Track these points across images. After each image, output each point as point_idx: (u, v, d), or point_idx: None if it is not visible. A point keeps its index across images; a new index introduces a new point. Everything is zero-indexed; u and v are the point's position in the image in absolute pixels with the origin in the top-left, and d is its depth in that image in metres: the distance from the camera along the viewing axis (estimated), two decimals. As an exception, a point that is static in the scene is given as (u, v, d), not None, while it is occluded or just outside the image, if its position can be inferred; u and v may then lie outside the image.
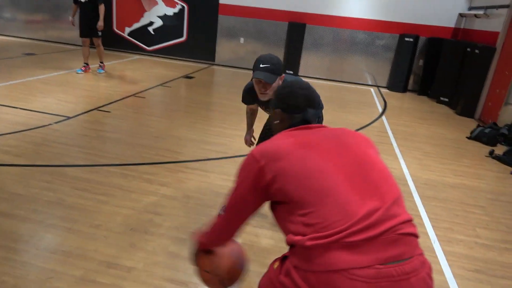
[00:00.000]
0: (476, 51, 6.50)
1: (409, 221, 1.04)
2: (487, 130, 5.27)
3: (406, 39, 8.17)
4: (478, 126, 5.57)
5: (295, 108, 1.31)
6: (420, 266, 0.98)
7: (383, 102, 7.26)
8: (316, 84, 7.65)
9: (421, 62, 8.37)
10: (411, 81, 8.58)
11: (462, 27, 8.09)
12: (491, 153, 4.73)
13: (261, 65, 2.06)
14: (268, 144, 1.21)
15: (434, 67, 7.99)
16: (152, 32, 9.34)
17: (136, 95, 5.79)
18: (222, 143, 4.19)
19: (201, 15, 9.04)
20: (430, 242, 2.72)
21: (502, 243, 2.81)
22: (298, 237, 1.03)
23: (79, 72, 6.71)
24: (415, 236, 1.04)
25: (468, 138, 5.41)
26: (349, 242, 0.95)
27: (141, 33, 9.40)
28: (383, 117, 6.08)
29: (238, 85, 7.45)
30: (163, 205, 2.82)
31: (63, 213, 2.57)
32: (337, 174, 1.07)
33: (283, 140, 1.21)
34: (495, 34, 6.40)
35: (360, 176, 1.07)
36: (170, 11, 9.11)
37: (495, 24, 6.52)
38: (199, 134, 4.38)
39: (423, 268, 0.99)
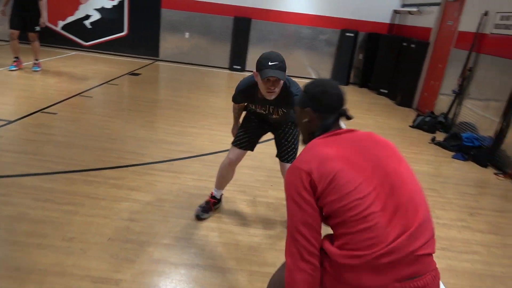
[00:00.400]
0: (412, 45, 7.01)
1: (430, 240, 1.13)
2: (427, 119, 5.74)
3: (347, 34, 8.57)
4: (418, 115, 6.04)
5: (329, 108, 1.31)
6: (431, 280, 1.10)
7: (330, 95, 7.55)
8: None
9: (361, 56, 8.83)
10: (352, 74, 9.02)
11: (396, 23, 8.67)
12: (433, 140, 5.16)
13: (270, 63, 2.05)
14: (310, 154, 1.22)
15: (373, 61, 8.48)
16: (89, 26, 8.75)
17: (82, 94, 5.41)
18: (184, 142, 4.09)
19: (142, 9, 8.66)
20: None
21: (458, 221, 3.10)
22: (333, 250, 1.12)
23: (12, 69, 6.09)
24: (432, 254, 1.14)
25: (411, 126, 5.84)
26: (375, 264, 1.05)
27: (77, 27, 8.76)
28: (333, 110, 6.33)
29: (188, 81, 7.31)
30: (138, 210, 2.69)
31: (28, 228, 2.34)
32: (373, 198, 1.13)
33: (324, 149, 1.22)
34: (427, 30, 6.95)
35: (392, 200, 1.14)
36: (108, 4, 8.59)
37: (427, 20, 7.07)
38: (158, 133, 4.22)
39: (433, 283, 1.11)
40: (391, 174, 1.19)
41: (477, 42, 5.24)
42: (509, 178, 4.09)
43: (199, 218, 2.66)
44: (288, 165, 2.54)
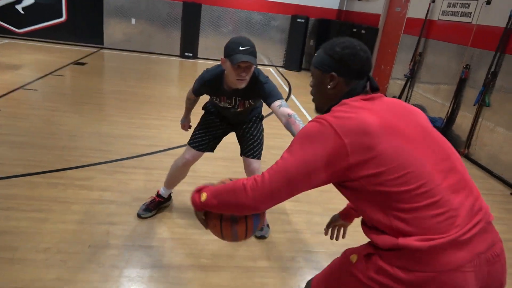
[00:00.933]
0: (362, 31, 7.24)
1: (488, 209, 1.08)
2: (381, 103, 5.99)
3: (298, 20, 8.63)
4: (373, 99, 6.28)
5: (359, 73, 1.16)
6: (502, 246, 1.06)
7: (286, 81, 7.61)
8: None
9: (312, 42, 8.97)
10: (304, 60, 9.14)
11: (344, 9, 8.88)
12: (389, 123, 5.40)
13: (241, 48, 1.91)
14: (351, 117, 1.05)
15: (324, 47, 8.64)
16: (22, 12, 7.93)
17: (25, 87, 4.91)
18: (150, 135, 3.89)
19: (82, -8, 8.02)
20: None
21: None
22: (405, 240, 0.97)
23: None
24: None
25: (367, 110, 6.07)
26: (461, 240, 0.97)
27: (7, 13, 7.89)
28: (292, 96, 6.38)
29: (139, 70, 6.94)
30: (114, 212, 2.51)
31: (-5, 242, 2.09)
32: (436, 171, 1.03)
33: (363, 114, 1.05)
34: (376, 16, 7.20)
35: (452, 170, 1.06)
36: (43, -13, 7.84)
37: (375, 6, 7.32)
38: (120, 128, 3.97)
39: (502, 246, 1.06)
40: (443, 144, 1.10)
41: (426, 28, 5.53)
42: (462, 155, 4.41)
43: (140, 216, 2.48)
44: (255, 161, 2.37)
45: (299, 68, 8.99)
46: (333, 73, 1.17)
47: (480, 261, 0.98)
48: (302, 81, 7.92)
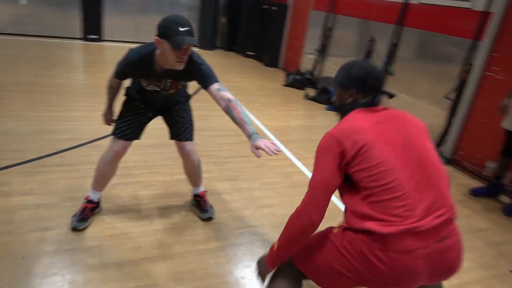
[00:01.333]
0: (273, 8, 7.39)
1: (453, 208, 1.29)
2: (297, 77, 6.27)
3: (208, -3, 8.46)
4: (289, 74, 6.53)
5: (372, 89, 1.45)
6: (457, 239, 1.28)
7: (202, 61, 7.48)
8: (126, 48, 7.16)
9: (223, 19, 8.89)
10: (217, 38, 9.05)
11: (253, -15, 8.91)
12: (306, 96, 5.70)
13: (181, 29, 1.82)
14: (349, 125, 1.34)
15: (236, 24, 8.65)
16: None
17: None
18: (68, 128, 3.58)
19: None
20: (307, 177, 3.22)
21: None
22: (371, 224, 1.21)
23: None
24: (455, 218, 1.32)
25: (285, 85, 6.30)
26: (415, 231, 1.18)
27: None
28: (212, 76, 6.33)
29: (39, 57, 6.24)
30: (45, 217, 2.30)
31: None
32: (405, 172, 1.25)
33: (359, 121, 1.34)
34: (285, -7, 7.39)
35: (420, 173, 1.27)
36: None
37: (283, -17, 7.50)
38: (31, 123, 3.57)
39: (458, 239, 1.28)
40: (419, 150, 1.33)
41: (334, 4, 5.85)
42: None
43: (76, 229, 2.21)
44: (188, 143, 2.33)
45: (212, 47, 8.89)
46: (352, 89, 1.46)
47: (432, 249, 1.19)
48: (218, 60, 7.87)
